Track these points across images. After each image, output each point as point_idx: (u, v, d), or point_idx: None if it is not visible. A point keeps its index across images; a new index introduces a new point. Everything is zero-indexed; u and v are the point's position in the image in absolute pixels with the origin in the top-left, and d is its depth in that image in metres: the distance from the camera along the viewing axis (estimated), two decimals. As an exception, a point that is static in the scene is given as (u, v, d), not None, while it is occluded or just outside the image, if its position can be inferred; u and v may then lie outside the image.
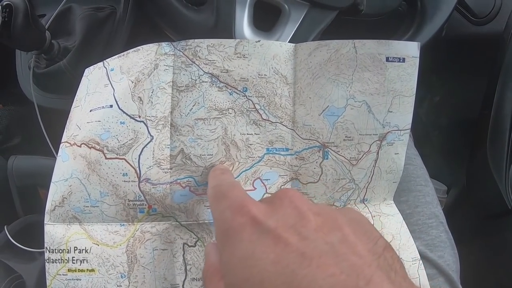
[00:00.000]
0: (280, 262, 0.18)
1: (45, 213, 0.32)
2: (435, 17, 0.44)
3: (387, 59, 0.33)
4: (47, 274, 0.31)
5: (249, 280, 0.18)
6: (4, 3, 0.43)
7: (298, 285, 0.17)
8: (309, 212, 0.20)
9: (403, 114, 0.35)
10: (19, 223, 0.59)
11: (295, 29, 0.37)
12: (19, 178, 0.59)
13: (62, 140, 0.34)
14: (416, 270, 0.36)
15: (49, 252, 0.31)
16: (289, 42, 0.37)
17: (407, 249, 0.36)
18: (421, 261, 0.36)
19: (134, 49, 0.33)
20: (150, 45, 0.33)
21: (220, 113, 0.33)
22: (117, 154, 0.32)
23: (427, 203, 0.42)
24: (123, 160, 0.32)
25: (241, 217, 0.21)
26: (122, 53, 0.34)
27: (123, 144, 0.32)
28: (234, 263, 0.20)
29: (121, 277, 0.32)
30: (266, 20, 0.38)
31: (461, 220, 0.57)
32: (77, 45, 0.50)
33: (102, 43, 0.51)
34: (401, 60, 0.34)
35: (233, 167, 0.33)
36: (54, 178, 0.33)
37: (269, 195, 0.34)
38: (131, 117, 0.32)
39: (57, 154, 0.52)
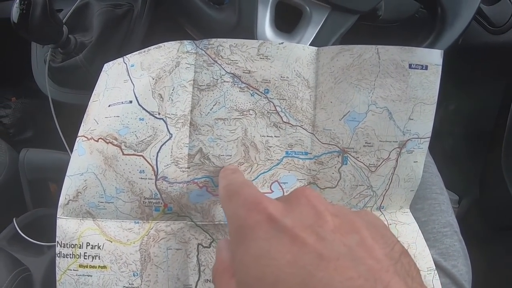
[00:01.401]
0: (297, 263, 0.17)
1: (58, 206, 0.32)
2: (455, 24, 0.43)
3: (410, 66, 0.33)
4: (57, 268, 0.31)
5: (262, 279, 0.18)
6: None
7: (314, 287, 0.16)
8: (327, 213, 0.20)
9: (424, 122, 0.34)
10: (28, 216, 0.59)
11: (316, 31, 0.37)
12: (30, 171, 0.59)
13: (79, 134, 0.33)
14: (431, 280, 0.35)
15: (61, 246, 0.31)
16: (310, 44, 0.36)
17: (422, 258, 0.36)
18: (436, 271, 0.36)
19: (156, 46, 0.33)
20: (172, 42, 0.33)
21: (241, 114, 0.33)
22: (134, 151, 0.31)
23: (442, 212, 0.42)
24: (141, 157, 0.31)
25: (256, 214, 0.20)
26: (143, 50, 0.33)
27: (142, 140, 0.31)
28: (247, 261, 0.19)
29: (134, 275, 0.31)
30: (287, 21, 0.38)
31: (472, 230, 0.56)
32: (94, 40, 0.50)
33: (118, 39, 0.51)
34: (423, 68, 0.33)
35: (251, 169, 0.33)
36: (69, 172, 0.32)
37: None
38: (150, 114, 0.32)
39: (69, 148, 0.52)
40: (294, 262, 0.17)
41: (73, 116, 0.55)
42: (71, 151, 0.51)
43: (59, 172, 0.59)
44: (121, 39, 0.51)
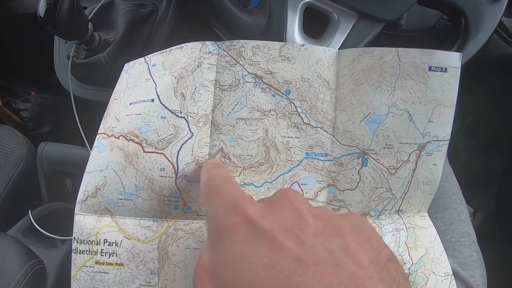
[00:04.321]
0: (274, 267, 0.16)
1: (76, 202, 0.32)
2: (478, 35, 0.43)
3: (430, 69, 0.33)
4: (72, 264, 0.31)
5: (238, 284, 0.17)
6: None
7: None
8: (309, 215, 0.19)
9: (443, 125, 0.34)
10: (43, 209, 0.60)
11: (343, 38, 0.37)
12: (48, 165, 0.60)
13: (99, 131, 0.33)
14: (448, 286, 0.35)
15: (77, 242, 0.31)
16: None
17: (440, 263, 0.36)
18: (453, 277, 0.35)
19: (177, 46, 0.33)
20: (194, 43, 0.33)
21: (262, 114, 0.33)
22: (155, 148, 0.31)
23: (461, 221, 0.42)
24: (162, 155, 0.31)
25: (235, 216, 0.20)
26: (164, 50, 0.34)
27: (163, 138, 0.31)
28: (224, 264, 0.18)
29: (151, 273, 0.31)
30: (314, 27, 0.38)
31: (487, 243, 0.55)
32: (118, 38, 0.51)
33: (142, 39, 0.52)
34: (443, 70, 0.33)
35: (271, 169, 0.33)
36: (88, 168, 0.32)
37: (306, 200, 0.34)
38: (172, 112, 0.32)
39: (88, 144, 0.52)
40: (271, 266, 0.17)
41: (92, 113, 0.55)
42: (90, 147, 0.52)
43: (76, 167, 0.60)
44: (144, 38, 0.52)
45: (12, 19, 0.75)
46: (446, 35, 0.57)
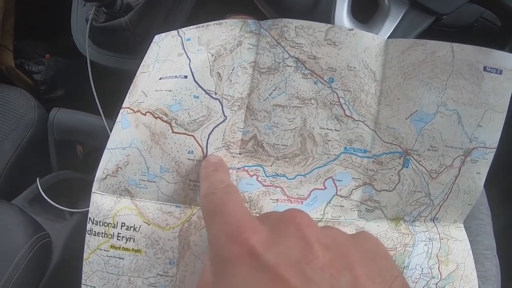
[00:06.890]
0: None
1: (95, 180, 0.30)
2: None
3: (485, 69, 0.31)
4: (86, 246, 0.29)
5: None
6: None
7: None
8: (317, 246, 0.18)
9: (492, 131, 0.32)
10: (52, 177, 0.58)
11: (393, 27, 0.34)
12: (59, 131, 0.57)
13: (123, 106, 0.31)
14: None
15: (92, 223, 0.29)
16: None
17: (468, 282, 0.34)
18: None
19: (216, 22, 0.31)
20: (235, 20, 0.31)
21: (302, 102, 0.30)
22: (185, 130, 0.29)
23: (486, 234, 0.40)
24: (191, 137, 0.29)
25: (237, 247, 0.18)
26: (201, 24, 0.31)
27: (194, 120, 0.29)
28: None
29: (170, 263, 0.29)
30: (362, 11, 0.35)
31: (504, 253, 0.54)
32: (142, 3, 0.47)
33: (166, 6, 0.49)
34: (498, 72, 0.31)
35: (306, 162, 0.31)
36: (109, 144, 0.30)
37: (339, 197, 0.31)
38: (206, 92, 0.29)
39: (103, 112, 0.50)
40: None
41: (109, 80, 0.53)
42: (105, 115, 0.50)
43: (88, 136, 0.58)
44: (169, 6, 0.48)
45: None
46: (483, 35, 0.54)
